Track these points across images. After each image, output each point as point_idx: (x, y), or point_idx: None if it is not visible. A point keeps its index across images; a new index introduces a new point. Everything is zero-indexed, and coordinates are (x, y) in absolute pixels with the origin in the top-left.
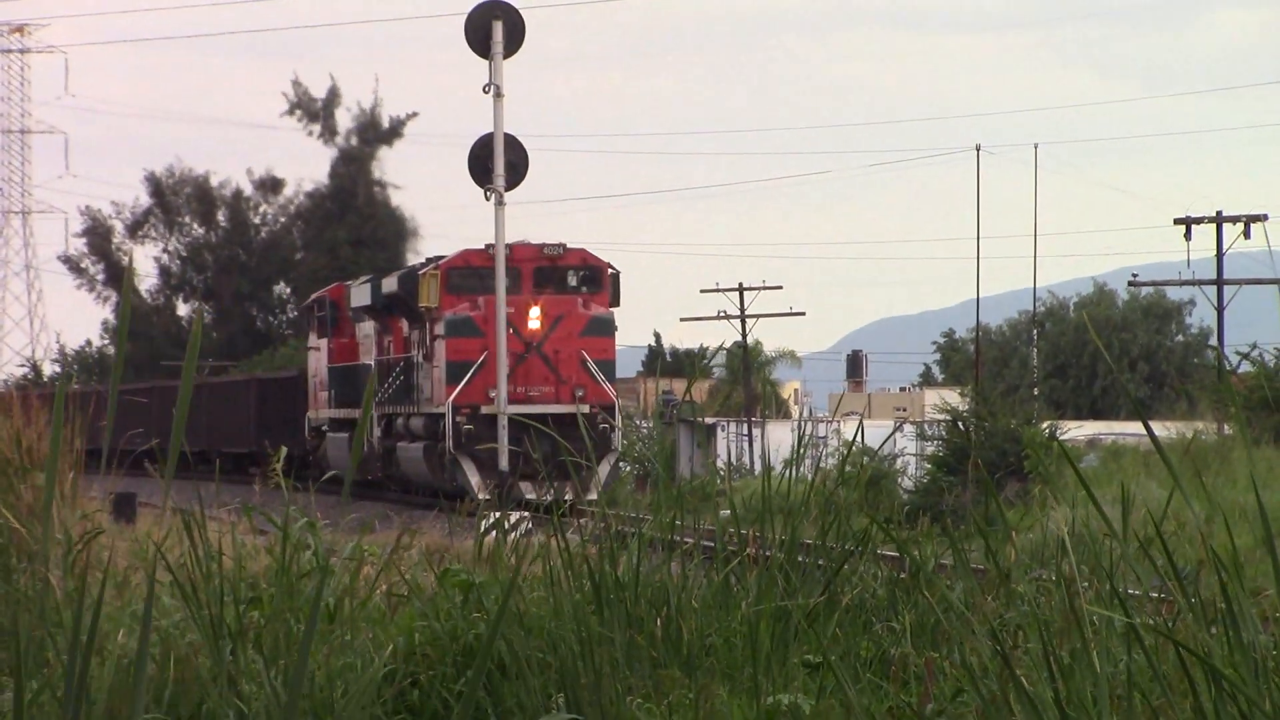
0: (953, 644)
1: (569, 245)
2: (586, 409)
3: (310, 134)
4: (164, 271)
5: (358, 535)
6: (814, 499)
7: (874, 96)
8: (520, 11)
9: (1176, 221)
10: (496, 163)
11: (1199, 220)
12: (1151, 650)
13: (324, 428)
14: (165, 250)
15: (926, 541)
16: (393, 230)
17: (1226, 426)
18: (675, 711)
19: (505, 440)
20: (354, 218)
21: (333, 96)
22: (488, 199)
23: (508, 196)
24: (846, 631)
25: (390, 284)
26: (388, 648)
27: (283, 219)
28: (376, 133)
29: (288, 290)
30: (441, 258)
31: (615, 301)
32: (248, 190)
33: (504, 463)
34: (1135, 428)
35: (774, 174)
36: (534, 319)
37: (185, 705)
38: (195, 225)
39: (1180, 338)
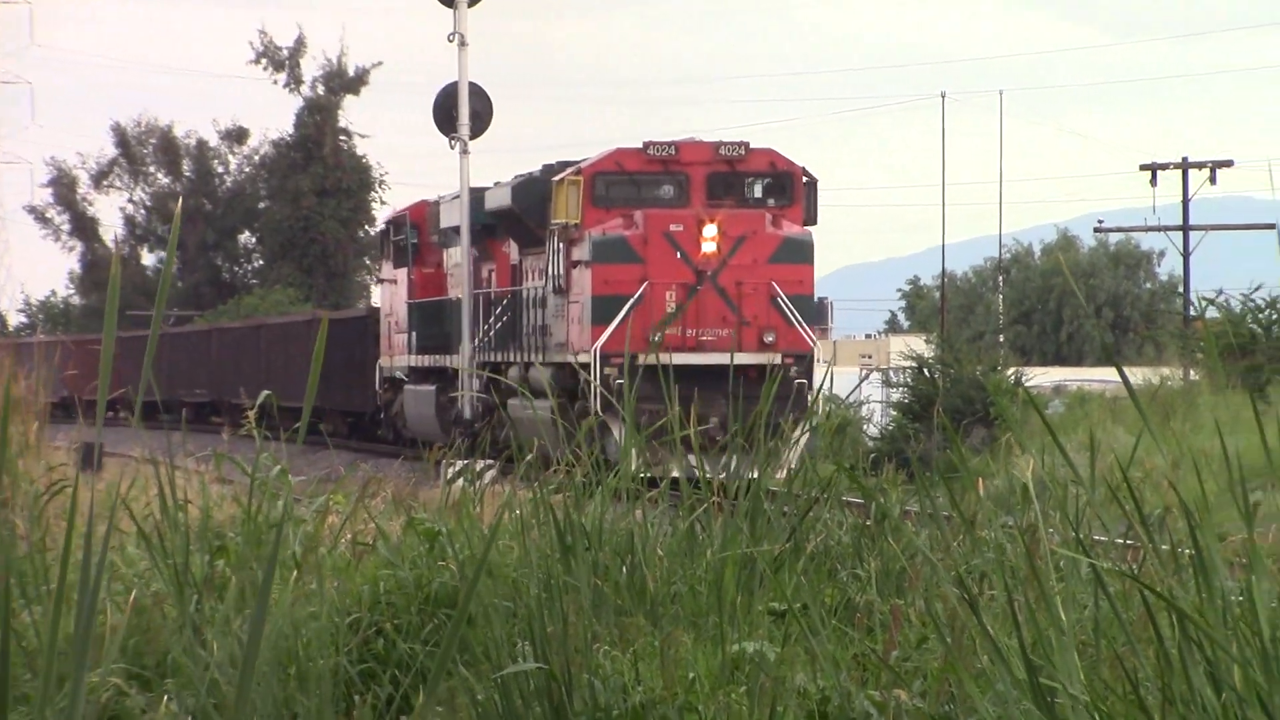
0: (918, 591)
1: (752, 145)
2: (777, 359)
3: (276, 83)
4: (129, 222)
5: (329, 485)
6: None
7: (838, 43)
8: None
9: (1142, 168)
10: (461, 111)
11: (1164, 166)
12: (1117, 596)
13: (400, 378)
14: (130, 200)
15: (892, 488)
16: (358, 179)
17: (1193, 372)
18: (641, 659)
19: (473, 389)
20: (319, 167)
21: (299, 46)
22: (452, 148)
23: (472, 145)
24: (811, 579)
25: (500, 197)
26: (351, 595)
27: (248, 169)
28: (342, 82)
29: (253, 240)
30: (570, 163)
31: (812, 218)
32: (213, 140)
33: (467, 411)
34: (1100, 374)
35: (737, 123)
36: (708, 240)
37: (150, 655)
38: (161, 175)
39: (1148, 285)
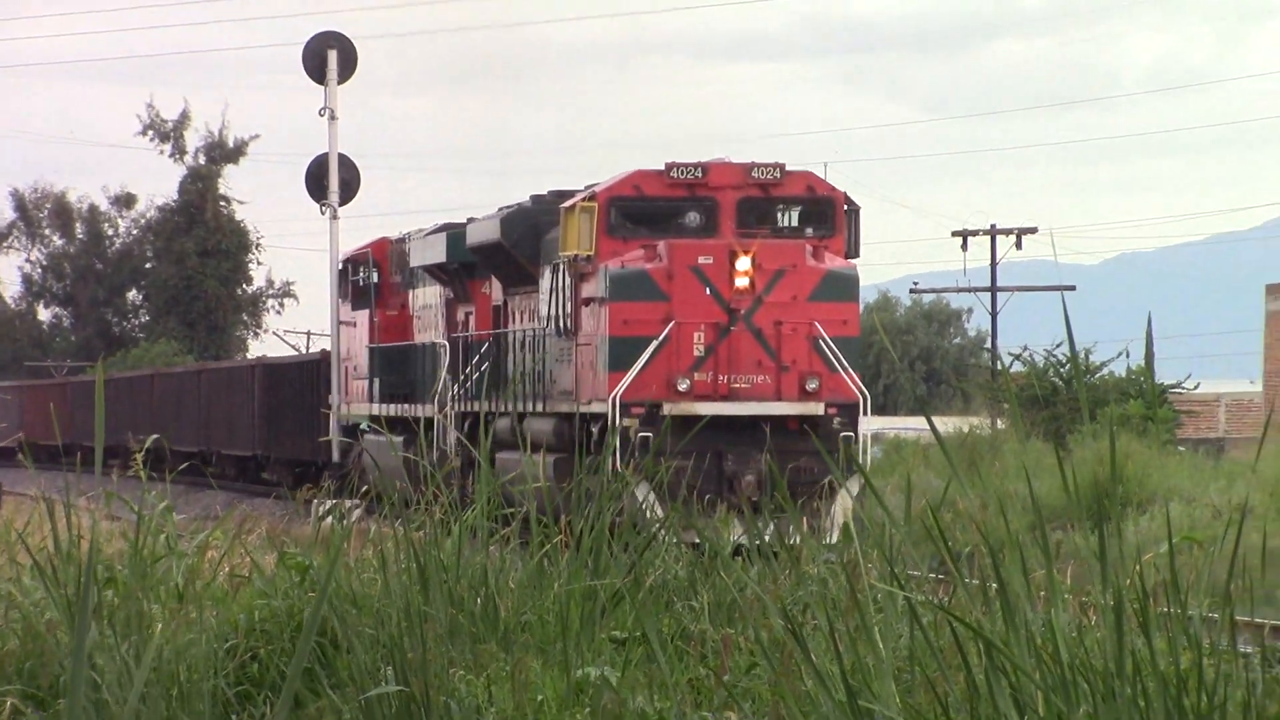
0: (748, 621)
1: (788, 167)
2: (820, 409)
3: (162, 153)
4: (26, 279)
5: (211, 522)
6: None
7: (675, 120)
8: (353, 41)
9: (954, 234)
10: (331, 180)
11: (975, 233)
12: (930, 627)
13: (362, 428)
14: (28, 260)
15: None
16: (236, 241)
17: (1000, 421)
18: (494, 683)
19: (337, 430)
20: (201, 230)
21: (184, 119)
22: (323, 214)
23: (341, 211)
24: (650, 610)
25: (485, 230)
26: (229, 623)
27: (135, 231)
28: (223, 152)
29: (140, 296)
30: (565, 192)
31: (854, 250)
32: (103, 205)
33: (336, 455)
34: (915, 422)
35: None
36: (742, 274)
37: (44, 678)
38: (55, 237)
39: (958, 340)
